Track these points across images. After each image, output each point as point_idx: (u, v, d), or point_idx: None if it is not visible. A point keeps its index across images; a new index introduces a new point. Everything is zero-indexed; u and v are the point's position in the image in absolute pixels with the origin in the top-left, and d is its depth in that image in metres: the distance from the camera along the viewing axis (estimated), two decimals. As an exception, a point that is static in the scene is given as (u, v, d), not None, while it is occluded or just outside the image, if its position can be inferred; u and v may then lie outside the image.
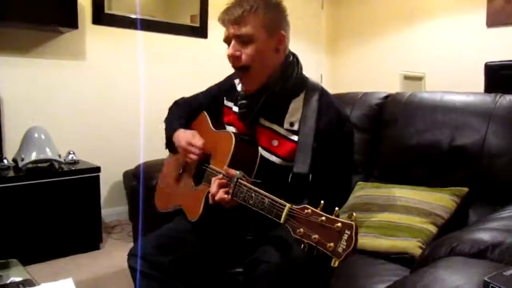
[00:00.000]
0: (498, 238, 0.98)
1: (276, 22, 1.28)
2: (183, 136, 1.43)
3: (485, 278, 0.76)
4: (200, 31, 3.56)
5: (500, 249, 0.94)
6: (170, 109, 1.65)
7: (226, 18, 1.27)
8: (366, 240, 1.41)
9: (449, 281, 0.85)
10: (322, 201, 0.95)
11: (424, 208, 1.47)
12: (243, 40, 1.25)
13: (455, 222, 1.45)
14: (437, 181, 1.61)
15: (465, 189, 1.53)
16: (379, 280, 1.21)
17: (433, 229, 1.41)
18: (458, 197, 1.51)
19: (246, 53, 1.26)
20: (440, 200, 1.50)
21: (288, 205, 1.00)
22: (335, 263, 0.87)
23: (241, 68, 1.28)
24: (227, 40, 1.29)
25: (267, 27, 1.25)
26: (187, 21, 3.57)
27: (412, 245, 1.34)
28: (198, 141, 1.38)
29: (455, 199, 1.51)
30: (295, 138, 1.27)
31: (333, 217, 0.91)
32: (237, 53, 1.26)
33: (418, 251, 1.31)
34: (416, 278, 0.92)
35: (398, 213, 1.49)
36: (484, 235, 1.01)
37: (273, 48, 1.28)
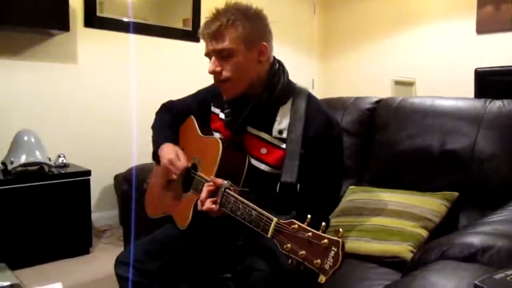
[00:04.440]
0: (489, 242, 0.98)
1: (256, 33, 1.25)
2: (166, 152, 1.40)
3: (476, 282, 0.77)
4: (193, 35, 3.55)
5: (490, 252, 0.95)
6: (157, 114, 1.63)
7: (205, 33, 1.25)
8: (358, 244, 1.41)
9: (440, 285, 0.86)
10: (309, 216, 0.94)
11: (415, 212, 1.48)
12: (223, 55, 1.23)
13: (445, 226, 1.46)
14: (428, 185, 1.62)
15: (456, 194, 1.54)
16: (370, 284, 1.21)
17: (424, 233, 1.41)
18: (449, 201, 1.52)
19: (226, 68, 1.24)
20: (431, 205, 1.50)
21: (275, 219, 0.99)
22: (322, 279, 0.87)
23: (222, 81, 1.27)
24: (208, 55, 1.28)
25: (246, 40, 1.23)
26: (179, 25, 3.57)
27: (403, 249, 1.34)
28: (179, 162, 1.35)
29: (445, 203, 1.51)
30: (284, 146, 1.26)
31: (319, 233, 0.90)
32: (218, 68, 1.25)
33: (409, 255, 1.31)
34: (407, 282, 0.92)
35: (389, 217, 1.49)
36: (475, 239, 1.01)
37: (254, 61, 1.26)
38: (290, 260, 0.93)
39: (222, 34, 1.22)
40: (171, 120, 1.57)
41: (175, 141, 1.52)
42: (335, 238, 0.88)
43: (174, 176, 1.37)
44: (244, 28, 1.22)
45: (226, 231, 1.33)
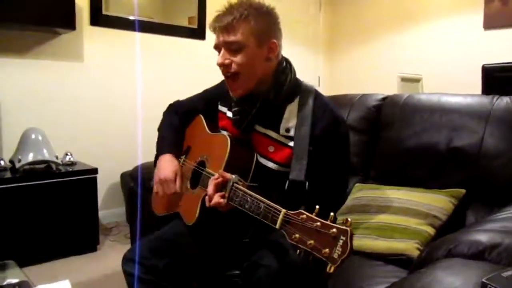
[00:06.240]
0: (496, 239, 0.98)
1: (267, 30, 1.26)
2: (165, 168, 1.42)
3: (483, 279, 0.76)
4: (198, 33, 3.56)
5: (498, 250, 0.94)
6: (164, 114, 1.64)
7: (217, 26, 1.25)
8: (364, 242, 1.41)
9: (447, 282, 0.85)
10: (317, 206, 0.95)
11: (421, 210, 1.47)
12: (233, 48, 1.24)
13: (452, 224, 1.45)
14: (434, 182, 1.61)
15: (463, 191, 1.53)
16: (377, 282, 1.21)
17: (430, 230, 1.41)
18: (456, 199, 1.52)
19: (235, 61, 1.24)
20: (437, 202, 1.50)
21: (283, 210, 1.00)
22: (330, 269, 0.87)
23: (231, 76, 1.27)
24: (217, 48, 1.28)
25: (258, 36, 1.24)
26: (185, 23, 3.57)
27: (410, 247, 1.34)
28: (172, 185, 1.38)
29: (452, 200, 1.51)
30: (292, 144, 1.26)
31: (328, 222, 0.91)
32: (227, 61, 1.25)
33: (415, 253, 1.31)
34: (414, 280, 0.92)
35: (395, 214, 1.49)
36: (482, 236, 1.01)
37: (263, 57, 1.27)
38: (298, 251, 0.94)
39: (234, 27, 1.22)
40: (177, 123, 1.58)
41: (179, 148, 1.53)
42: (344, 227, 0.88)
43: (160, 193, 1.41)
44: (256, 24, 1.23)
45: (233, 228, 1.33)
